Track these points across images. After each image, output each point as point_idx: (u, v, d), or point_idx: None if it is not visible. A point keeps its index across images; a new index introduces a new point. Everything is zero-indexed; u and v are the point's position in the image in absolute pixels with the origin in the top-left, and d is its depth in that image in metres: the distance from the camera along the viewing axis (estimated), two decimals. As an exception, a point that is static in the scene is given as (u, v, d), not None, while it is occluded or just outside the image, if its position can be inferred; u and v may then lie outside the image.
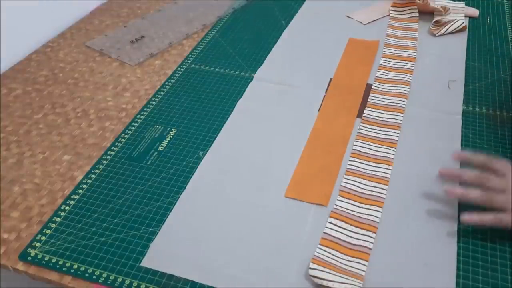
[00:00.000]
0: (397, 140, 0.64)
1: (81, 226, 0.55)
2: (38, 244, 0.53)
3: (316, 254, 0.51)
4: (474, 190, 0.50)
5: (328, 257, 0.50)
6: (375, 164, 0.61)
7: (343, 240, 0.52)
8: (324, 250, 0.51)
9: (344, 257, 0.50)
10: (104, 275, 0.50)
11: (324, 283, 0.47)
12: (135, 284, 0.49)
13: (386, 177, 0.59)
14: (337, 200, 0.57)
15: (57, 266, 0.51)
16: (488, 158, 0.50)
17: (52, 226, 0.55)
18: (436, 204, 0.56)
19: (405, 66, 0.78)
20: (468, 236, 0.53)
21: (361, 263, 0.50)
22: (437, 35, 0.86)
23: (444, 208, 0.56)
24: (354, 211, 0.55)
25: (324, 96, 0.74)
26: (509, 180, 0.47)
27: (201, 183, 0.60)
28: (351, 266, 0.49)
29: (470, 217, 0.50)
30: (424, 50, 0.83)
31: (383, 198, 0.57)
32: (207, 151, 0.65)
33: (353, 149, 0.63)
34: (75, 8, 0.98)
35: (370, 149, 0.63)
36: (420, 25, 0.90)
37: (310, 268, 0.48)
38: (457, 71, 0.77)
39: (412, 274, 0.49)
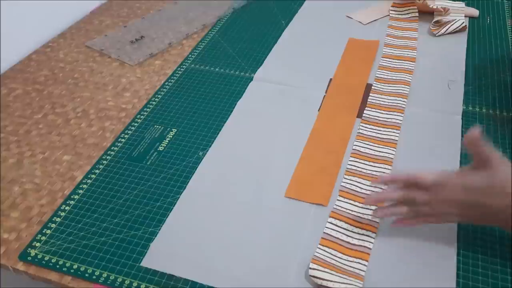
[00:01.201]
0: (397, 140, 0.64)
1: (81, 226, 0.55)
2: (38, 244, 0.53)
3: (316, 254, 0.51)
4: (402, 208, 0.50)
5: (328, 257, 0.50)
6: (375, 164, 0.61)
7: (343, 240, 0.52)
8: (324, 250, 0.51)
9: (344, 257, 0.50)
10: (104, 275, 0.50)
11: (324, 283, 0.47)
12: (135, 284, 0.49)
13: None
14: (337, 200, 0.57)
15: (57, 266, 0.51)
16: (410, 176, 0.50)
17: (52, 226, 0.55)
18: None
19: (405, 66, 0.78)
20: (468, 236, 0.53)
21: (361, 263, 0.50)
22: (437, 35, 0.86)
23: None
24: (354, 211, 0.55)
25: (324, 96, 0.74)
26: (431, 193, 0.48)
27: (201, 183, 0.60)
28: (351, 266, 0.49)
29: (399, 221, 0.51)
30: (424, 50, 0.83)
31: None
32: (207, 151, 0.65)
33: (353, 149, 0.63)
34: (75, 8, 0.98)
35: (370, 149, 0.63)
36: (420, 25, 0.90)
37: (310, 268, 0.48)
38: (457, 71, 0.77)
39: (412, 274, 0.49)
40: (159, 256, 0.52)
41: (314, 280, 0.48)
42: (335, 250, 0.51)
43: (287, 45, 0.87)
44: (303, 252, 0.51)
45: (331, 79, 0.77)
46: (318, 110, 0.71)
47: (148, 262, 0.51)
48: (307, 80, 0.77)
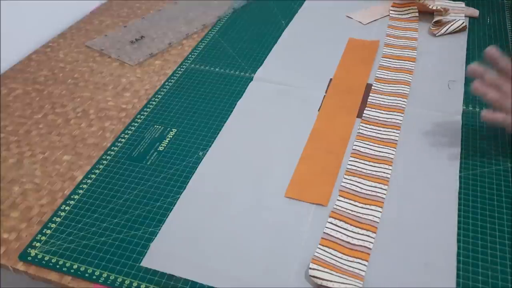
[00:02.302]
0: (397, 140, 0.64)
1: (81, 226, 0.55)
2: (38, 244, 0.53)
3: (316, 254, 0.51)
4: (493, 91, 0.57)
5: (328, 257, 0.50)
6: (375, 164, 0.61)
7: (343, 240, 0.52)
8: (324, 250, 0.51)
9: (344, 257, 0.50)
10: (104, 275, 0.50)
11: (324, 283, 0.47)
12: (135, 284, 0.49)
13: (386, 177, 0.59)
14: (337, 200, 0.57)
15: (57, 266, 0.51)
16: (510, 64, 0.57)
17: (52, 226, 0.55)
18: (436, 204, 0.56)
19: (405, 66, 0.78)
20: (468, 236, 0.53)
21: (361, 263, 0.50)
22: (437, 35, 0.86)
23: (444, 208, 0.56)
24: (354, 211, 0.55)
25: (324, 96, 0.74)
26: None
27: (201, 183, 0.60)
28: (351, 266, 0.49)
29: (486, 113, 0.57)
30: (424, 50, 0.83)
31: (383, 198, 0.57)
32: (207, 151, 0.65)
33: (353, 149, 0.63)
34: (75, 8, 0.98)
35: (370, 149, 0.63)
36: (420, 25, 0.90)
37: (310, 268, 0.48)
38: (457, 71, 0.77)
39: (412, 274, 0.49)
40: (159, 256, 0.52)
41: (314, 280, 0.48)
42: (335, 250, 0.51)
43: (287, 45, 0.87)
44: (303, 252, 0.52)
45: (331, 79, 0.77)
46: (318, 110, 0.71)
47: (148, 262, 0.51)
48: (307, 80, 0.77)
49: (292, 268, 0.50)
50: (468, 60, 0.80)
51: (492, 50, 0.59)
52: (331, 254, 0.51)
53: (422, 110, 0.70)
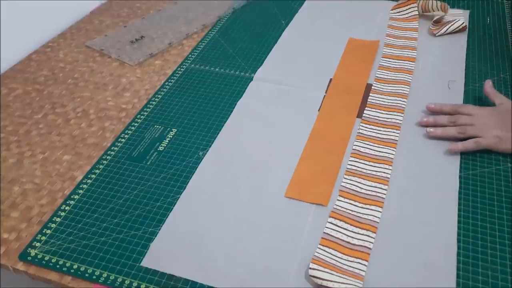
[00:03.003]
0: (397, 140, 0.64)
1: (81, 226, 0.55)
2: (38, 244, 0.53)
3: (316, 254, 0.51)
4: (450, 128, 0.64)
5: (328, 257, 0.50)
6: (375, 164, 0.61)
7: (343, 240, 0.52)
8: (324, 250, 0.51)
9: (344, 257, 0.50)
10: (104, 275, 0.50)
11: (324, 283, 0.47)
12: (135, 284, 0.49)
13: (386, 177, 0.59)
14: (337, 200, 0.57)
15: (57, 266, 0.51)
16: (455, 105, 0.67)
17: (52, 226, 0.55)
18: (436, 204, 0.56)
19: (405, 66, 0.78)
20: (468, 236, 0.53)
21: (361, 263, 0.50)
22: (437, 35, 0.86)
23: (444, 208, 0.56)
24: (354, 211, 0.55)
25: (324, 96, 0.74)
26: (476, 117, 0.63)
27: (201, 183, 0.60)
28: (351, 266, 0.49)
29: (455, 146, 0.62)
30: (424, 50, 0.83)
31: (383, 198, 0.57)
32: (207, 151, 0.65)
33: (353, 149, 0.63)
34: (75, 8, 0.98)
35: (370, 149, 0.63)
36: (420, 25, 0.90)
37: (310, 268, 0.48)
38: (457, 71, 0.77)
39: (412, 274, 0.49)
40: (159, 256, 0.52)
41: (314, 280, 0.48)
42: (335, 250, 0.51)
43: (287, 45, 0.87)
44: (303, 252, 0.52)
45: (331, 79, 0.77)
46: (318, 110, 0.71)
47: (148, 262, 0.51)
48: (307, 80, 0.77)
49: (292, 268, 0.50)
50: (468, 60, 0.80)
51: (430, 107, 0.68)
52: (331, 254, 0.51)
53: (422, 110, 0.70)
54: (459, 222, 0.54)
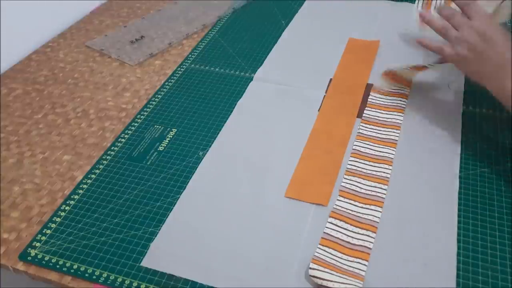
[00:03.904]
0: (397, 140, 0.64)
1: (81, 226, 0.55)
2: (38, 244, 0.53)
3: (316, 254, 0.51)
4: (439, 21, 0.62)
5: (328, 257, 0.50)
6: (375, 164, 0.61)
7: (343, 240, 0.52)
8: (324, 250, 0.51)
9: (344, 257, 0.50)
10: (104, 275, 0.50)
11: (324, 283, 0.47)
12: (135, 284, 0.49)
13: (386, 177, 0.59)
14: (337, 200, 0.57)
15: (57, 266, 0.51)
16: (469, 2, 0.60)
17: (52, 226, 0.55)
18: (436, 204, 0.56)
19: None
20: (468, 236, 0.53)
21: (361, 263, 0.50)
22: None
23: (444, 208, 0.56)
24: (354, 211, 0.55)
25: (324, 96, 0.74)
26: (472, 21, 0.58)
27: (201, 183, 0.60)
28: (351, 266, 0.49)
29: (421, 40, 0.63)
30: (424, 50, 0.83)
31: (383, 198, 0.57)
32: (207, 151, 0.65)
33: (353, 149, 0.63)
34: (75, 8, 0.98)
35: (370, 149, 0.63)
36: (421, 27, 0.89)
37: (310, 268, 0.48)
38: (457, 72, 0.77)
39: (412, 274, 0.49)
40: (159, 256, 0.52)
41: (314, 280, 0.48)
42: (335, 250, 0.51)
43: (287, 45, 0.87)
44: (303, 252, 0.52)
45: (331, 79, 0.77)
46: (318, 110, 0.71)
47: (148, 262, 0.51)
48: (307, 80, 0.77)
49: (292, 268, 0.50)
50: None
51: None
52: (331, 254, 0.51)
53: (422, 110, 0.70)
54: (459, 222, 0.54)
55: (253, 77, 0.79)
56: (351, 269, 0.49)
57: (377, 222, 0.54)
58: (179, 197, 0.58)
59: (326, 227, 0.54)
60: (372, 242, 0.52)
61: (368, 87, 0.75)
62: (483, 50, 0.56)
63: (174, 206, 0.57)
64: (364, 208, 0.55)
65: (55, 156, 0.65)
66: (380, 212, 0.55)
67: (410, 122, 0.68)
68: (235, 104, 0.73)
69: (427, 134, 0.66)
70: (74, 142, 0.68)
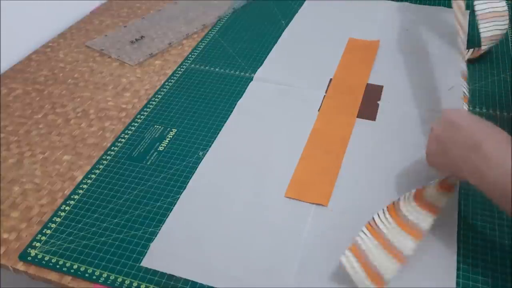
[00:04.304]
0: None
1: (81, 226, 0.55)
2: (38, 244, 0.53)
3: (357, 239, 0.48)
4: None
5: (367, 247, 0.48)
6: None
7: (386, 238, 0.49)
8: (366, 235, 0.49)
9: (383, 253, 0.48)
10: (104, 275, 0.50)
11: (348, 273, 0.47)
12: (135, 284, 0.49)
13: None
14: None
15: (57, 266, 0.51)
16: None
17: (52, 226, 0.55)
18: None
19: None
20: (468, 236, 0.53)
21: (393, 266, 0.48)
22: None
23: (444, 207, 0.56)
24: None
25: (324, 96, 0.74)
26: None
27: (201, 183, 0.60)
28: (384, 266, 0.47)
29: None
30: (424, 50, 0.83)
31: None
32: (207, 151, 0.65)
33: None
34: (75, 8, 0.98)
35: None
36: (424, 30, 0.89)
37: (344, 255, 0.47)
38: (457, 72, 0.77)
39: (412, 274, 0.49)
40: (159, 256, 0.52)
41: (343, 266, 0.47)
42: (377, 241, 0.49)
43: (287, 45, 0.87)
44: (303, 252, 0.52)
45: (331, 79, 0.77)
46: (318, 110, 0.71)
47: (148, 262, 0.51)
48: (307, 80, 0.77)
49: (292, 268, 0.50)
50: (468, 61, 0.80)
51: None
52: (372, 244, 0.48)
53: (421, 110, 0.70)
54: (459, 222, 0.54)
55: (253, 77, 0.79)
56: (381, 271, 0.47)
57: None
58: (179, 197, 0.58)
59: (377, 216, 0.50)
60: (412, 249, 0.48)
61: (368, 87, 0.75)
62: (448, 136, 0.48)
63: (174, 206, 0.57)
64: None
65: (55, 156, 0.65)
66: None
67: (409, 122, 0.68)
68: (235, 104, 0.73)
69: (427, 134, 0.66)
70: (74, 142, 0.68)
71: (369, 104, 0.72)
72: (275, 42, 0.87)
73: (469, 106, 0.70)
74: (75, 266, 0.51)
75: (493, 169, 0.41)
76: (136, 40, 0.89)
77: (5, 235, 0.55)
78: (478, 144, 0.43)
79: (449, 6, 0.93)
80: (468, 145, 0.44)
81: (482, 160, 0.42)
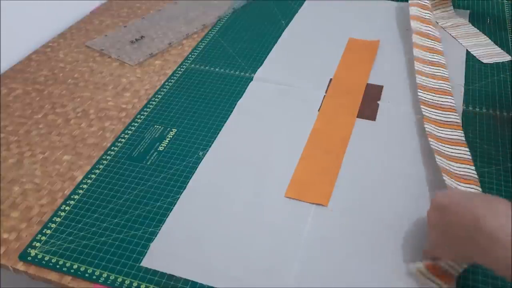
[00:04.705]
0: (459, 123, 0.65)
1: (81, 226, 0.55)
2: (38, 244, 0.53)
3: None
4: None
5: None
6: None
7: None
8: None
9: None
10: (104, 275, 0.50)
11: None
12: (135, 284, 0.49)
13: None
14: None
15: (57, 266, 0.51)
16: None
17: (52, 226, 0.55)
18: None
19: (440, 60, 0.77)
20: (468, 236, 0.53)
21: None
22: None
23: None
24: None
25: (324, 96, 0.74)
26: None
27: (201, 183, 0.60)
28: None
29: None
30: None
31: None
32: (207, 151, 0.65)
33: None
34: (75, 8, 0.98)
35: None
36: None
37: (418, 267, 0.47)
38: (457, 72, 0.77)
39: (412, 274, 0.49)
40: (159, 256, 0.52)
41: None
42: None
43: (287, 45, 0.87)
44: (303, 252, 0.52)
45: (331, 79, 0.77)
46: (318, 110, 0.71)
47: (148, 262, 0.51)
48: (307, 80, 0.77)
49: (292, 268, 0.50)
50: (468, 61, 0.80)
51: None
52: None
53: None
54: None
55: (253, 77, 0.79)
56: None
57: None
58: (179, 197, 0.58)
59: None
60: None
61: (368, 87, 0.75)
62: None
63: (174, 206, 0.57)
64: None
65: (55, 156, 0.65)
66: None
67: (408, 122, 0.68)
68: (235, 104, 0.73)
69: (427, 136, 0.66)
70: (74, 142, 0.68)
71: (369, 104, 0.72)
72: (275, 42, 0.87)
73: (468, 106, 0.70)
74: (75, 266, 0.51)
75: (500, 247, 0.39)
76: (136, 40, 0.89)
77: (5, 235, 0.55)
78: (479, 223, 0.40)
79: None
80: (469, 226, 0.42)
81: (486, 240, 0.40)
